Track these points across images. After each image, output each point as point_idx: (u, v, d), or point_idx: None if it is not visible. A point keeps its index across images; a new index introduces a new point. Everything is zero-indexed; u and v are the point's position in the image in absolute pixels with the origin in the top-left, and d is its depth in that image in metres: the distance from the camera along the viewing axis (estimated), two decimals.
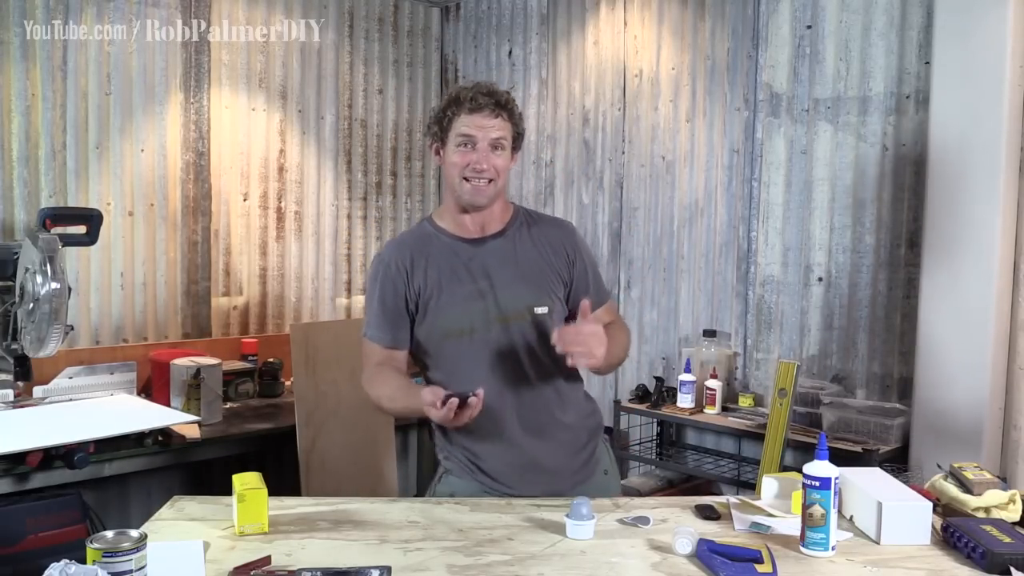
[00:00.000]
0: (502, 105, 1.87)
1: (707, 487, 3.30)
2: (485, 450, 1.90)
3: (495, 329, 1.88)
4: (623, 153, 3.79)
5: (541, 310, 1.89)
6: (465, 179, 1.86)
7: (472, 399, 1.68)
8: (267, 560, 1.45)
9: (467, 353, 1.89)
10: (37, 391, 2.94)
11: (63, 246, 2.58)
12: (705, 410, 3.24)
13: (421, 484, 4.04)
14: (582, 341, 1.73)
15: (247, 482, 1.65)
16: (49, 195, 3.24)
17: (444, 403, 1.66)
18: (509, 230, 1.95)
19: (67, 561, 1.19)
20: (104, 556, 1.24)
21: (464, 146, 1.85)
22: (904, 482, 1.78)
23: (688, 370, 3.29)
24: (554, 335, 1.75)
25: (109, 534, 1.29)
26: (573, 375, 1.95)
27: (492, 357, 1.87)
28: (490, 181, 1.86)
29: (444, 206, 1.99)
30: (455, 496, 1.89)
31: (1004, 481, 1.74)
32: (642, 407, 3.36)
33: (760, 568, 1.43)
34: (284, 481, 2.94)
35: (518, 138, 1.93)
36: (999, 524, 1.58)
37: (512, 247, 1.93)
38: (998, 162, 2.58)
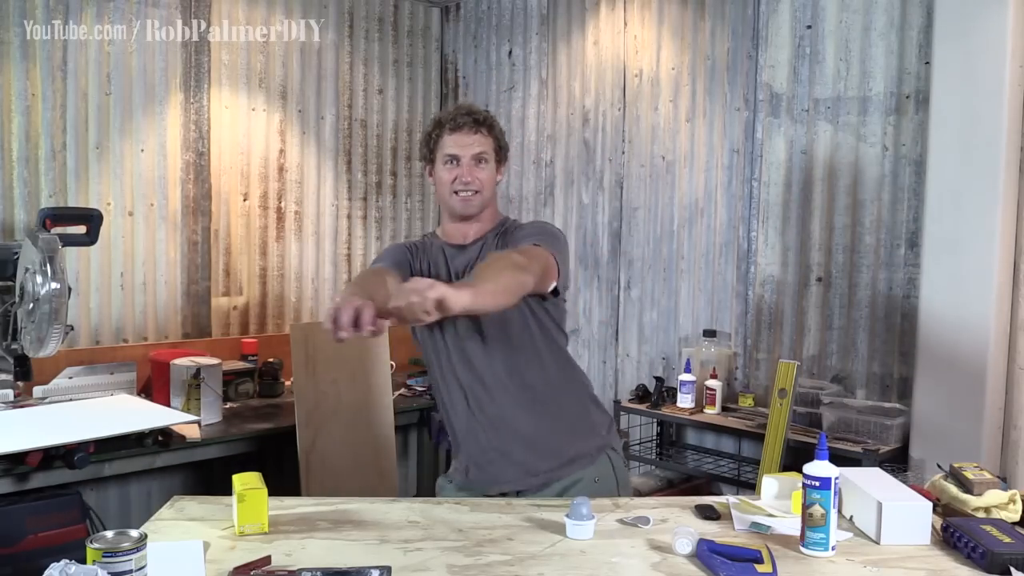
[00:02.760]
0: (480, 122, 2.00)
1: (707, 487, 3.30)
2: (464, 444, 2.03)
3: (459, 321, 1.95)
4: (623, 153, 3.79)
5: None
6: (454, 192, 1.99)
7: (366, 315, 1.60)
8: (267, 560, 1.46)
9: (439, 343, 2.01)
10: (37, 391, 2.94)
11: (63, 246, 2.57)
12: (705, 410, 3.24)
13: (421, 484, 4.04)
14: (405, 292, 1.54)
15: (247, 482, 1.65)
16: (49, 195, 3.24)
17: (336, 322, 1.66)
18: (485, 238, 2.05)
19: (67, 561, 1.19)
20: (104, 556, 1.24)
21: (450, 163, 1.99)
22: (904, 482, 1.79)
23: (688, 370, 3.29)
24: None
25: (109, 534, 1.29)
26: (553, 369, 2.03)
27: (458, 348, 1.98)
28: (476, 192, 1.98)
29: (442, 220, 2.12)
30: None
31: (1004, 481, 1.74)
32: (642, 407, 3.36)
33: (760, 568, 1.43)
34: (284, 481, 2.94)
35: (501, 151, 2.05)
36: (999, 524, 1.58)
37: (479, 252, 2.02)
38: (998, 162, 2.58)
